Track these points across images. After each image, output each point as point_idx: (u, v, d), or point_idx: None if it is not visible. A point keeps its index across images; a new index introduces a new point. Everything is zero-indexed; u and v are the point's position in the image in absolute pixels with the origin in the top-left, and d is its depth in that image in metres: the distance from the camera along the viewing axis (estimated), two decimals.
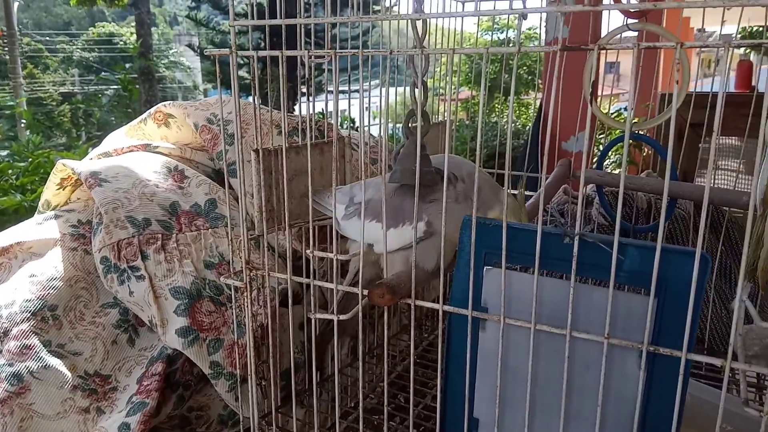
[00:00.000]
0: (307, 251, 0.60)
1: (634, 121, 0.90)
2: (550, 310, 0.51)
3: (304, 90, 0.65)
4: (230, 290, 0.74)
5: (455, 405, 0.58)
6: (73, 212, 0.82)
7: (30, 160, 2.34)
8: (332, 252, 0.59)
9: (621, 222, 1.02)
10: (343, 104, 1.10)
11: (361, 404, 0.63)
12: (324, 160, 0.76)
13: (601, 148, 1.09)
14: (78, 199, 0.87)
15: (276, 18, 0.57)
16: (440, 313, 0.55)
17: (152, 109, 0.95)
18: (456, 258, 0.55)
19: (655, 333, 0.48)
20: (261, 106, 0.91)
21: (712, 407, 0.46)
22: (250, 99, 0.94)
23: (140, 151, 0.91)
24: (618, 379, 0.50)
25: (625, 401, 0.50)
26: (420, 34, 0.54)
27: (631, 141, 0.96)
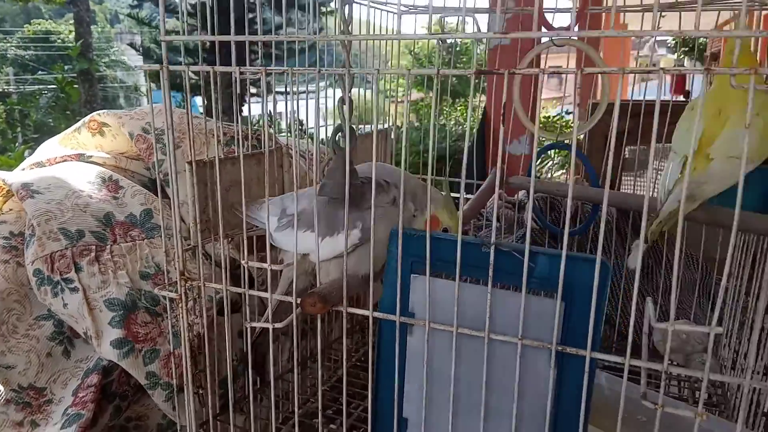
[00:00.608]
0: (243, 261, 0.61)
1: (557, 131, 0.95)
2: (471, 314, 0.55)
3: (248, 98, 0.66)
4: (166, 301, 0.75)
5: (386, 406, 0.61)
6: (4, 224, 0.80)
7: None
8: (268, 262, 0.61)
9: (550, 226, 1.07)
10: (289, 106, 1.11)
11: (296, 410, 0.65)
12: (261, 170, 0.78)
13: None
14: (10, 210, 0.86)
15: (209, 31, 0.59)
16: (370, 319, 0.58)
17: (86, 118, 0.95)
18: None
19: (564, 334, 0.52)
20: (198, 116, 0.91)
21: (629, 401, 0.50)
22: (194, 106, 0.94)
23: (74, 161, 0.90)
24: (532, 377, 0.54)
25: (540, 398, 0.54)
26: (347, 54, 0.57)
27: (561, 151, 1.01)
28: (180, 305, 0.63)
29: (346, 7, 0.56)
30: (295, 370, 0.63)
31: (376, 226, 0.63)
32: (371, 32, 0.91)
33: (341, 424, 0.83)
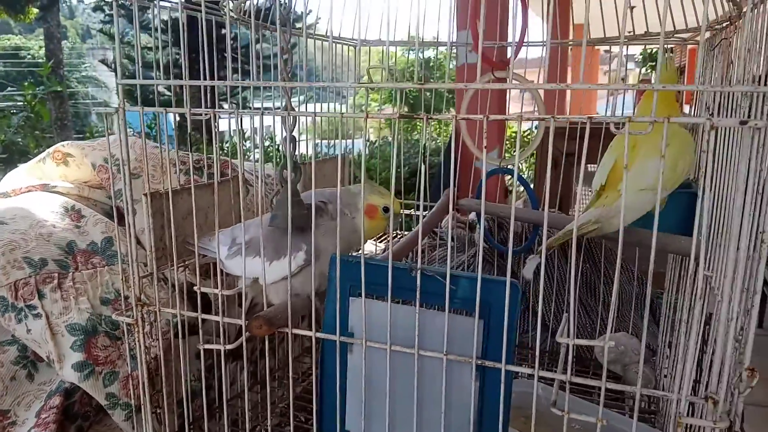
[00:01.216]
0: (195, 288, 0.66)
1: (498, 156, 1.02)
2: (403, 332, 0.60)
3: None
4: (123, 325, 0.79)
5: (330, 420, 0.66)
6: None
7: None
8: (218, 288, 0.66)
9: (497, 245, 1.13)
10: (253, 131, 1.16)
11: (248, 426, 0.70)
12: (219, 197, 0.83)
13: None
14: None
15: (178, 77, 0.64)
16: (313, 339, 0.63)
17: (51, 149, 0.98)
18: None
19: (485, 349, 0.58)
20: (156, 146, 0.96)
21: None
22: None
23: (39, 191, 0.94)
24: (458, 389, 0.59)
25: (465, 408, 0.60)
26: (289, 99, 0.62)
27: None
28: (137, 330, 0.68)
29: (286, 55, 0.62)
30: (245, 390, 0.67)
31: (323, 245, 0.68)
32: (332, 58, 0.97)
33: None
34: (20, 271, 0.78)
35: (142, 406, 0.69)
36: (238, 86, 0.65)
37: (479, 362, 0.57)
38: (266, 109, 0.63)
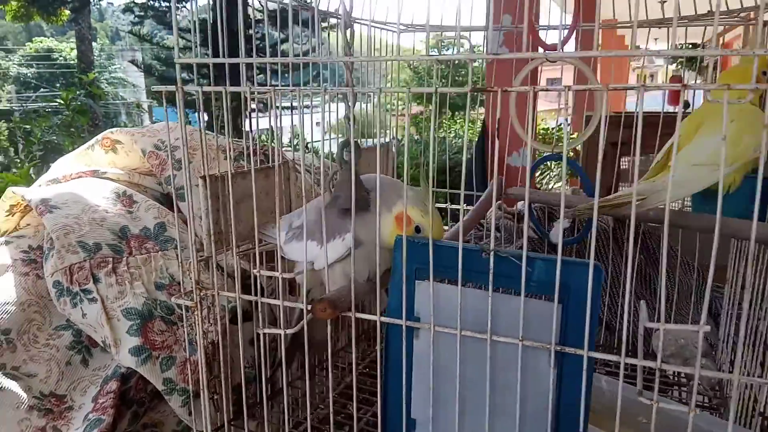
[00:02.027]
0: (255, 270, 0.64)
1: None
2: (473, 317, 0.58)
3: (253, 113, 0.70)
4: (181, 310, 0.78)
5: (394, 408, 0.64)
6: (23, 238, 0.84)
7: None
8: (278, 271, 0.64)
9: (548, 235, 1.10)
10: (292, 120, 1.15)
11: (308, 415, 0.68)
12: (269, 183, 0.81)
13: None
14: (28, 225, 0.89)
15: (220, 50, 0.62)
16: (378, 323, 0.61)
17: (99, 136, 0.98)
18: (390, 271, 0.62)
19: (563, 334, 0.55)
20: (209, 132, 0.95)
21: (630, 403, 0.53)
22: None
23: (89, 177, 0.93)
24: (533, 376, 0.57)
25: (541, 396, 0.57)
26: (350, 75, 0.60)
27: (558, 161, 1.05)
28: (195, 313, 0.66)
29: (348, 29, 0.60)
30: (307, 374, 0.65)
31: (360, 234, 0.66)
32: (372, 48, 0.95)
33: (350, 429, 0.86)
34: (75, 255, 0.77)
35: (201, 392, 0.68)
36: (291, 64, 0.63)
37: (558, 348, 0.54)
38: (326, 89, 0.61)
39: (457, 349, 0.57)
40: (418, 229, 0.64)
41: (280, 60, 0.64)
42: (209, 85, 0.65)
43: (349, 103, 0.62)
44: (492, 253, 0.54)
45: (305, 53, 0.64)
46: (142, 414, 0.75)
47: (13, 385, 0.71)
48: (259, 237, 0.77)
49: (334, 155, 0.64)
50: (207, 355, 0.71)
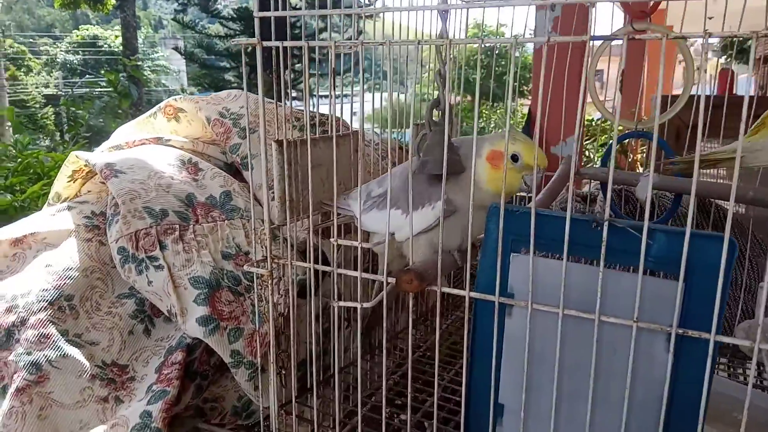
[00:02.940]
0: (332, 239, 0.60)
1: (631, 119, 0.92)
2: (576, 295, 0.52)
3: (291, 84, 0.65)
4: (248, 281, 0.74)
5: (480, 391, 0.59)
6: (86, 204, 0.81)
7: (19, 160, 2.31)
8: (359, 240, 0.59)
9: (625, 218, 1.04)
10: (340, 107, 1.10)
11: (385, 386, 0.64)
12: (339, 153, 0.77)
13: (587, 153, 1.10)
14: (89, 191, 0.87)
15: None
16: (467, 299, 0.56)
17: (162, 104, 0.95)
18: (482, 241, 0.57)
19: (682, 317, 0.49)
20: (271, 101, 0.91)
21: (730, 400, 0.47)
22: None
23: (152, 144, 0.91)
24: (645, 363, 0.51)
25: (652, 385, 0.51)
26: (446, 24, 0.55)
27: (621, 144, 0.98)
28: (268, 282, 0.62)
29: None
30: (384, 346, 0.61)
31: (456, 198, 0.61)
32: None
33: (413, 411, 0.82)
34: (141, 221, 0.74)
35: (270, 366, 0.64)
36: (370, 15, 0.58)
37: (680, 332, 0.48)
38: (420, 41, 0.56)
39: (558, 330, 0.52)
40: (515, 158, 0.58)
41: (366, 11, 0.59)
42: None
43: (444, 56, 0.57)
44: (606, 223, 0.49)
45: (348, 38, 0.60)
46: (205, 387, 0.72)
47: (75, 353, 0.68)
48: (329, 209, 0.73)
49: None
50: (276, 328, 0.67)
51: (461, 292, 0.57)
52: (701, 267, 0.48)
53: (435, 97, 0.58)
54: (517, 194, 0.98)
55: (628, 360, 0.50)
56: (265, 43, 0.61)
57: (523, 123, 2.73)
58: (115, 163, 0.80)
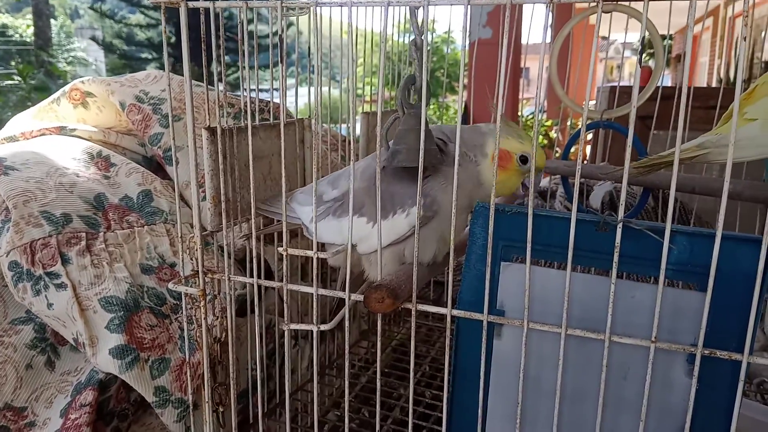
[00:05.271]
0: (282, 249, 0.49)
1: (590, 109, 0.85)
2: (578, 311, 0.44)
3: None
4: (174, 299, 0.62)
5: (463, 423, 0.50)
6: None
7: None
8: (314, 250, 0.49)
9: (597, 213, 0.97)
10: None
11: (347, 409, 0.53)
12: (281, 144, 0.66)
13: None
14: None
15: None
16: (448, 317, 0.47)
17: (67, 87, 0.81)
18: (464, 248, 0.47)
19: (706, 334, 0.41)
20: (200, 84, 0.78)
21: (753, 423, 0.40)
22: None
23: (54, 135, 0.76)
24: (661, 389, 0.43)
25: (668, 415, 0.44)
26: None
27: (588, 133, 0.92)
28: (201, 304, 0.51)
29: None
30: (346, 371, 0.50)
31: (442, 198, 0.52)
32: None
33: None
34: (37, 229, 0.60)
35: (205, 403, 0.52)
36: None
37: (706, 352, 0.40)
38: (390, 2, 0.45)
39: (560, 353, 0.43)
40: (524, 160, 0.53)
41: None
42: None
43: (418, 22, 0.47)
44: (620, 226, 0.40)
45: (275, 34, 0.49)
46: (125, 430, 0.59)
47: None
48: (269, 213, 0.62)
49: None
50: (211, 357, 0.55)
51: (442, 310, 0.47)
52: (730, 275, 0.41)
53: (408, 73, 0.48)
54: None
55: (643, 386, 0.42)
56: (191, 3, 0.49)
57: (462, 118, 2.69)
58: (5, 157, 0.66)
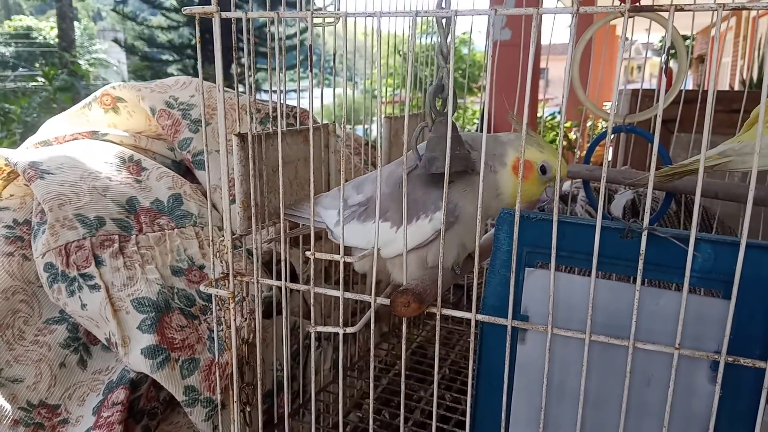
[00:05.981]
0: (308, 253, 0.50)
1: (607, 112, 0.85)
2: (602, 317, 0.45)
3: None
4: (204, 300, 0.64)
5: (486, 426, 0.50)
6: (7, 210, 0.68)
7: None
8: (341, 254, 0.50)
9: (621, 219, 0.97)
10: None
11: (372, 409, 0.54)
12: (308, 149, 0.67)
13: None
14: (11, 195, 0.74)
15: None
16: (472, 322, 0.47)
17: (98, 92, 0.83)
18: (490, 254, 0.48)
19: (730, 341, 0.42)
20: (228, 90, 0.80)
21: None
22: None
23: (86, 139, 0.78)
24: (684, 395, 0.44)
25: (691, 421, 0.44)
26: None
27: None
28: (231, 306, 0.52)
29: None
30: (371, 372, 0.51)
31: (463, 205, 0.53)
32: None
33: None
34: (72, 231, 0.62)
35: (233, 402, 0.54)
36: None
37: (730, 359, 0.41)
38: (417, 13, 0.46)
39: (584, 359, 0.44)
40: (544, 170, 0.53)
41: None
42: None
43: (445, 32, 0.48)
44: (645, 233, 0.41)
45: (302, 42, 0.50)
46: (154, 428, 0.61)
47: None
48: (294, 218, 0.63)
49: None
50: (239, 358, 0.57)
51: (466, 315, 0.48)
52: (754, 282, 0.41)
53: (436, 82, 0.49)
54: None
55: (666, 392, 0.42)
56: (224, 14, 0.50)
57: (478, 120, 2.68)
58: (41, 161, 0.68)
